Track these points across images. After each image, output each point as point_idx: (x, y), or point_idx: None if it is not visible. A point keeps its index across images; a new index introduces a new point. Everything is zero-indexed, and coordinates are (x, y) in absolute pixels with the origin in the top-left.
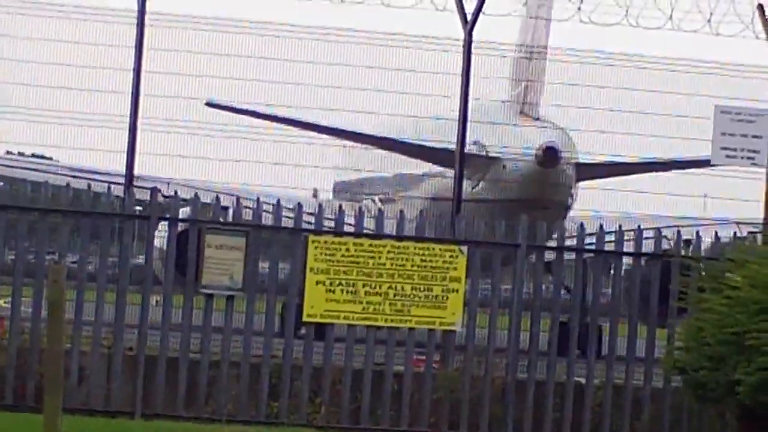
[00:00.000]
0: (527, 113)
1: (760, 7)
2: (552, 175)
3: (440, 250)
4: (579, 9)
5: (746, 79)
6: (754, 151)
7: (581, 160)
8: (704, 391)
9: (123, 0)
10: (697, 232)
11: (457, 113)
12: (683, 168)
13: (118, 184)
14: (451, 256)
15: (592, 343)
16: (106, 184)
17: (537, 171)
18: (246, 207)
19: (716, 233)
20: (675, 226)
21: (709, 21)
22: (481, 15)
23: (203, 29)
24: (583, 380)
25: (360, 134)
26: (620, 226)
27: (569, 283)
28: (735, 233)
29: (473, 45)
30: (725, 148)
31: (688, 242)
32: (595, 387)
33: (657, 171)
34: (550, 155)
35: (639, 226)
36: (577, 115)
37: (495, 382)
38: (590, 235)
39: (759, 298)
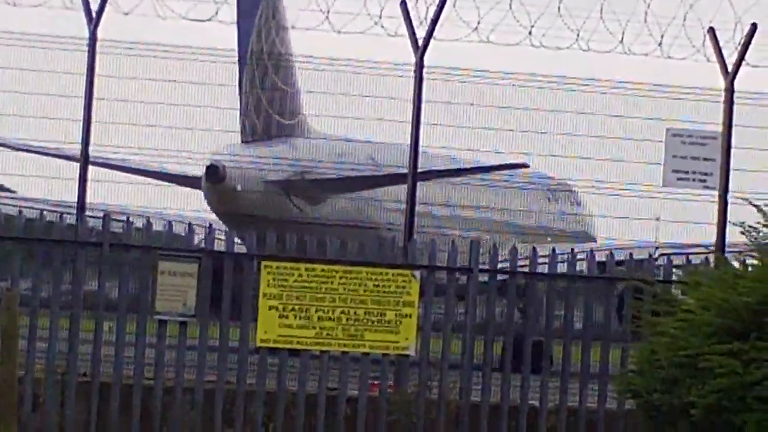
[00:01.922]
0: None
1: (711, 30)
2: (220, 190)
3: (393, 275)
4: (530, 33)
5: (697, 102)
6: (706, 174)
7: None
8: (658, 414)
9: (74, 27)
10: (650, 255)
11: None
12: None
13: (69, 213)
14: (404, 281)
15: (546, 366)
16: (58, 213)
17: (207, 186)
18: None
19: (669, 257)
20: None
21: (660, 44)
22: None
23: (149, 55)
24: (537, 403)
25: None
26: (572, 249)
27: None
28: (688, 256)
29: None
30: (677, 171)
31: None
32: (549, 410)
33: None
34: (211, 172)
35: (591, 250)
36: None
37: (449, 406)
38: (543, 256)
39: (712, 321)
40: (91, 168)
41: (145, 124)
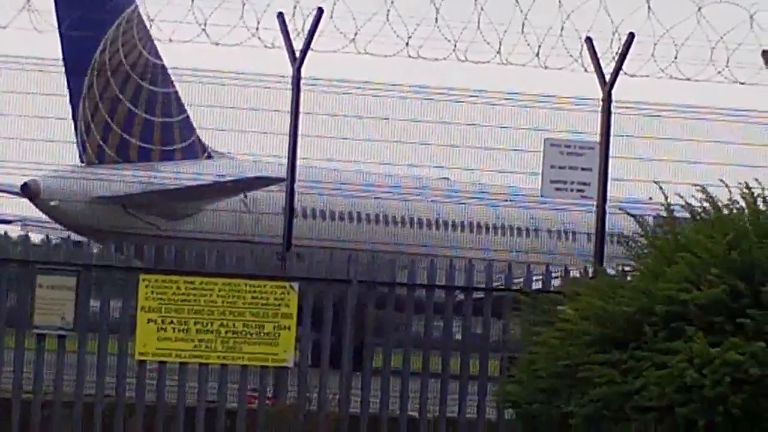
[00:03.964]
0: None
1: (589, 40)
2: (41, 204)
3: (271, 287)
4: (407, 44)
5: (575, 112)
6: (584, 184)
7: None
8: (537, 424)
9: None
10: (528, 266)
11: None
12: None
13: None
14: (282, 293)
15: (426, 376)
16: None
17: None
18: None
19: (547, 267)
20: None
21: (537, 55)
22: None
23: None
24: (416, 414)
25: None
26: (470, 261)
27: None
28: (566, 266)
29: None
30: (555, 181)
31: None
32: (429, 420)
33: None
34: (23, 188)
35: (489, 263)
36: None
37: (329, 417)
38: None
39: (590, 331)
40: None
41: None
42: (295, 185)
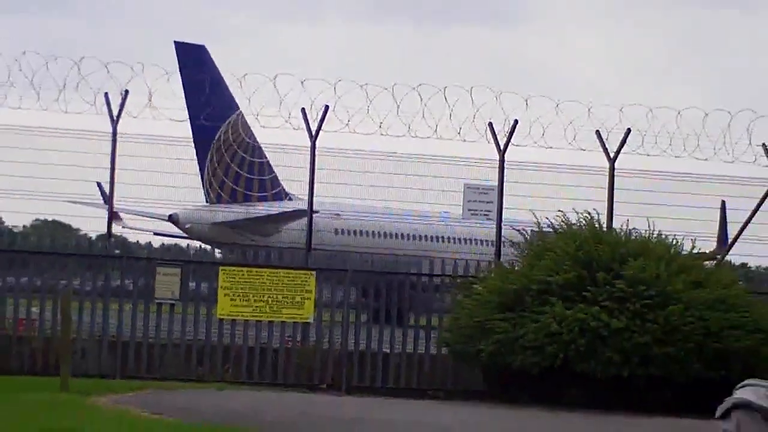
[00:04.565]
0: None
1: (491, 125)
2: (180, 227)
3: (298, 273)
4: (380, 126)
5: (483, 168)
6: (489, 211)
7: None
8: (461, 357)
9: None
10: (466, 261)
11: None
12: None
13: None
14: (306, 277)
15: (393, 325)
16: None
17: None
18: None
19: (466, 262)
20: None
21: (459, 132)
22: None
23: None
24: (388, 349)
25: None
26: (440, 257)
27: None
28: (478, 262)
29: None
30: (471, 210)
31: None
32: (397, 353)
33: None
34: (171, 217)
35: (442, 260)
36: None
37: (336, 353)
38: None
39: (493, 300)
40: None
41: None
42: (313, 214)
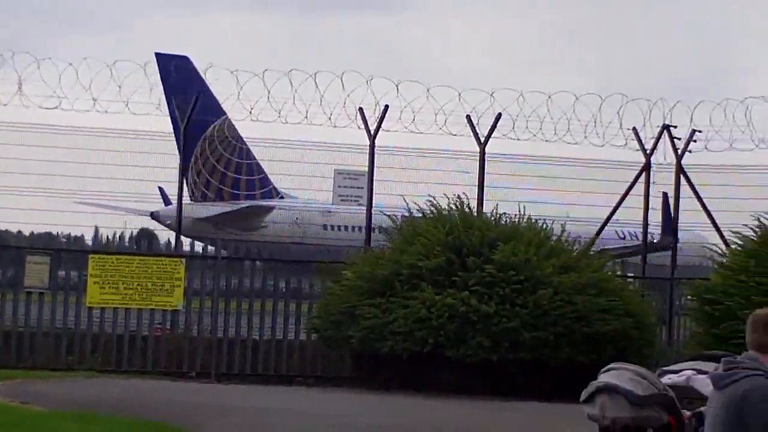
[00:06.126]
0: None
1: (361, 110)
2: (162, 223)
3: (168, 261)
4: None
5: (355, 153)
6: (359, 196)
7: None
8: (330, 342)
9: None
10: (337, 250)
11: None
12: None
13: None
14: (175, 265)
15: (263, 314)
16: None
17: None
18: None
19: (337, 248)
20: None
21: (330, 118)
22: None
23: None
24: (257, 337)
25: None
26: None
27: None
28: (363, 248)
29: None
30: (341, 195)
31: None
32: (266, 340)
33: None
34: (152, 214)
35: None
36: None
37: (205, 341)
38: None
39: (362, 285)
40: None
41: None
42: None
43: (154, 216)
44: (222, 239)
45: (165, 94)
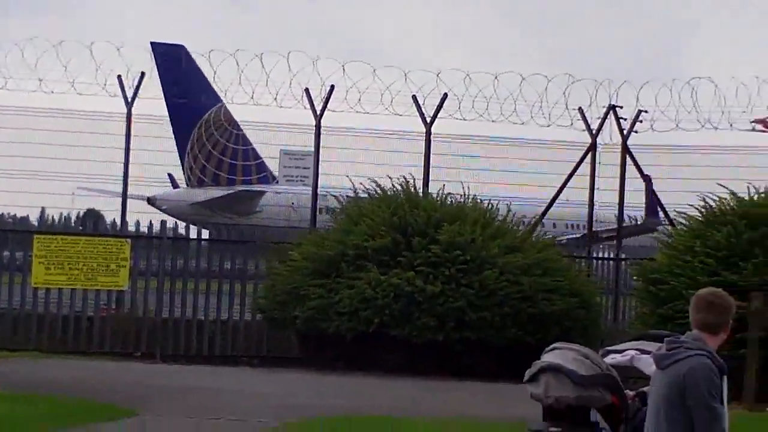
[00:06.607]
0: None
1: (307, 90)
2: (158, 208)
3: (114, 242)
4: None
5: (302, 134)
6: (305, 177)
7: None
8: (276, 323)
9: None
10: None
11: None
12: None
13: None
14: (121, 245)
15: (208, 295)
16: None
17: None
18: None
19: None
20: None
21: (275, 99)
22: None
23: None
24: (202, 317)
25: None
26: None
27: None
28: (309, 230)
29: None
30: (287, 176)
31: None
32: (212, 320)
33: None
34: (149, 199)
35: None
36: None
37: (150, 320)
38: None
39: (308, 266)
40: None
41: None
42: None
43: (150, 201)
44: (217, 223)
45: (161, 82)
